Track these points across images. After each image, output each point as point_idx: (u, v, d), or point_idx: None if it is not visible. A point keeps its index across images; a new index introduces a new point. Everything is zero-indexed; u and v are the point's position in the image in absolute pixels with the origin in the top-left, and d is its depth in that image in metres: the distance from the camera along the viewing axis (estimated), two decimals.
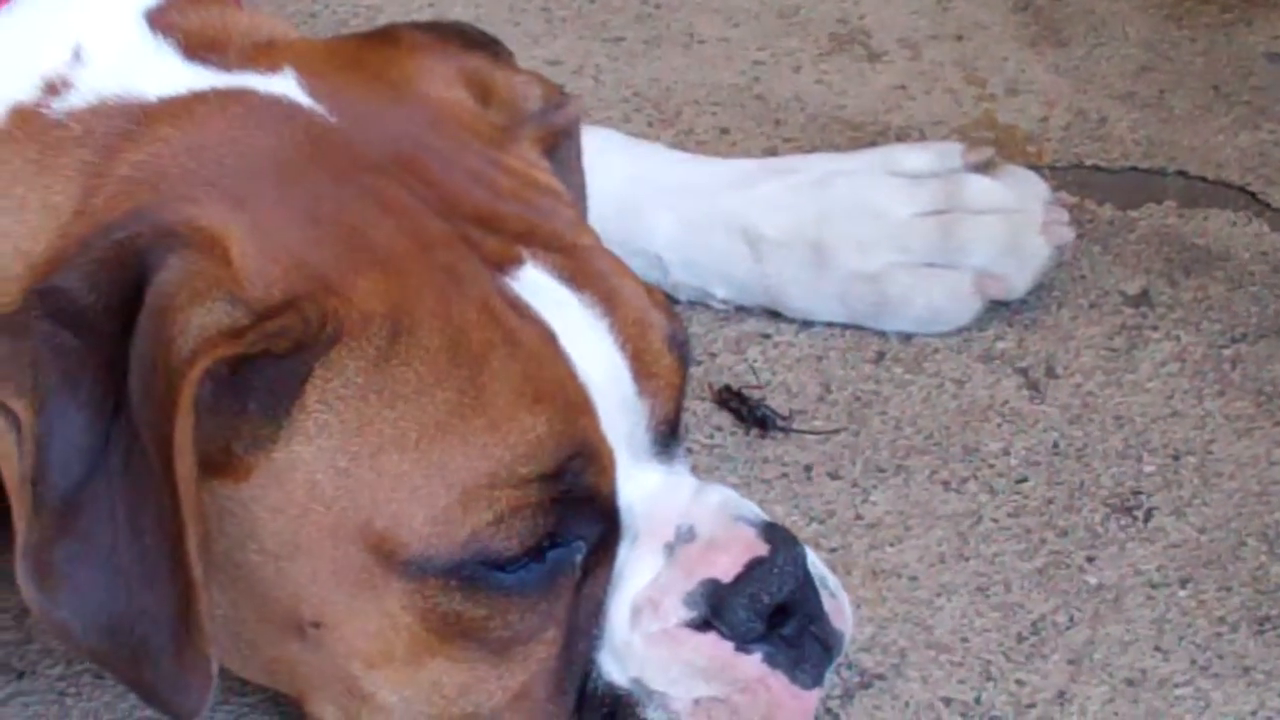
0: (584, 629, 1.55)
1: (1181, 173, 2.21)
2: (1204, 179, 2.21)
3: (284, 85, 1.57)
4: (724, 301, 2.03)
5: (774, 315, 2.03)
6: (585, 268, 1.55)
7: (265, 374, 1.44)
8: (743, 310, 2.04)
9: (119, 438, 1.42)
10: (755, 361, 2.00)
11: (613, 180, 1.91)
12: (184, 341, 1.41)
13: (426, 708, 1.55)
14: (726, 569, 1.55)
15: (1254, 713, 1.71)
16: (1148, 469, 1.91)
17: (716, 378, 1.96)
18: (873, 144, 2.10)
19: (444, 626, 1.52)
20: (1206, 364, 2.01)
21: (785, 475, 1.90)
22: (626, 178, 1.97)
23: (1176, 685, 1.73)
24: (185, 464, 1.40)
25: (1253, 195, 2.19)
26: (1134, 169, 2.22)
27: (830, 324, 2.03)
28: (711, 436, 1.92)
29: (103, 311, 1.42)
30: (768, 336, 2.02)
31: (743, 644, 1.55)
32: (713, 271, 2.02)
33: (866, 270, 2.01)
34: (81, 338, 1.42)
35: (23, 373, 1.42)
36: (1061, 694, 1.72)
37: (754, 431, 1.93)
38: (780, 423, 1.93)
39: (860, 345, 2.02)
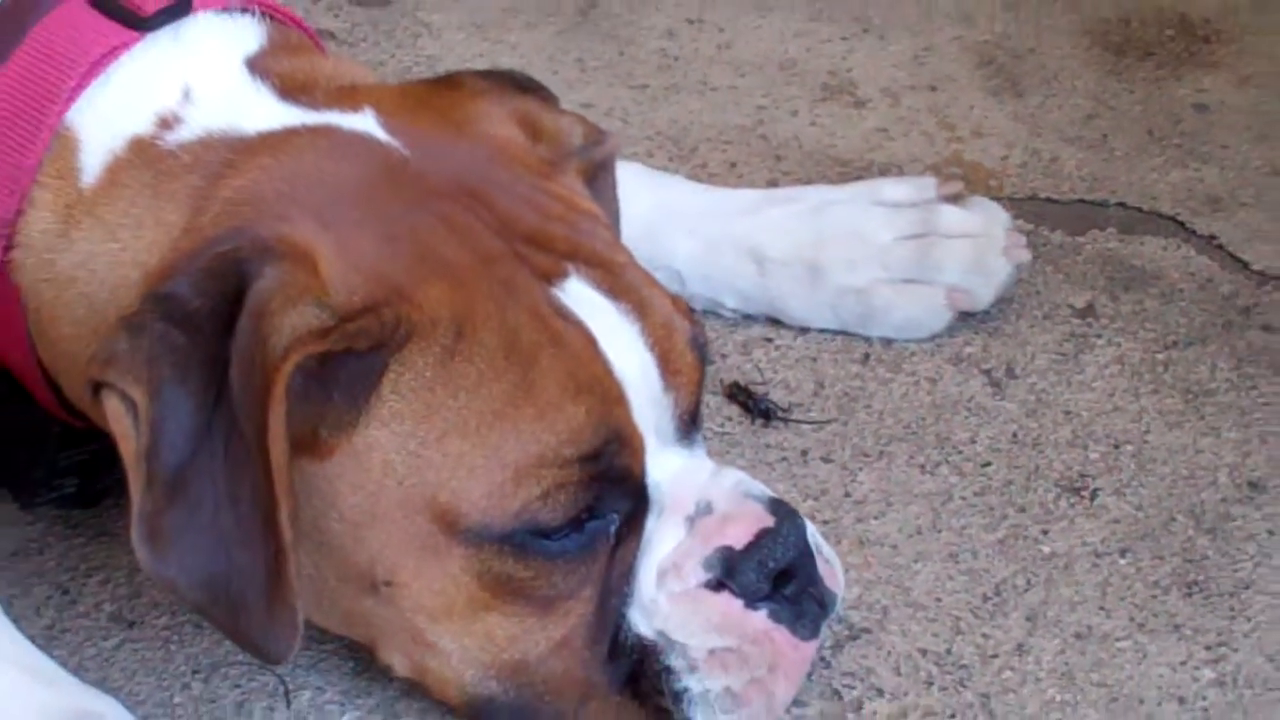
0: (616, 589, 1.56)
1: (1121, 204, 2.21)
2: (1140, 210, 2.21)
3: (364, 123, 1.58)
4: (733, 310, 2.05)
5: (775, 323, 2.05)
6: (620, 280, 1.57)
7: (348, 368, 1.46)
8: (749, 318, 2.06)
9: (220, 422, 1.43)
10: (760, 362, 2.01)
11: (640, 207, 1.91)
12: (278, 340, 1.43)
13: (480, 655, 1.56)
14: (738, 538, 1.57)
15: (1183, 663, 1.73)
16: (1093, 455, 1.93)
17: (727, 376, 1.98)
18: (859, 178, 2.10)
19: (497, 586, 1.53)
20: (1143, 367, 2.02)
21: (785, 459, 1.91)
22: (651, 205, 1.98)
23: (1117, 639, 1.74)
24: (278, 445, 1.42)
25: (1181, 224, 2.19)
26: (1081, 201, 2.22)
27: (823, 330, 2.04)
28: (723, 425, 1.94)
29: (208, 314, 1.44)
30: (770, 340, 2.04)
31: (751, 602, 1.57)
32: (724, 285, 2.03)
33: (854, 285, 2.02)
34: (189, 336, 1.44)
35: (139, 365, 1.44)
36: (1020, 646, 1.74)
37: (759, 422, 1.95)
38: (781, 414, 1.95)
39: (849, 349, 2.03)
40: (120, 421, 1.45)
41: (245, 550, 1.44)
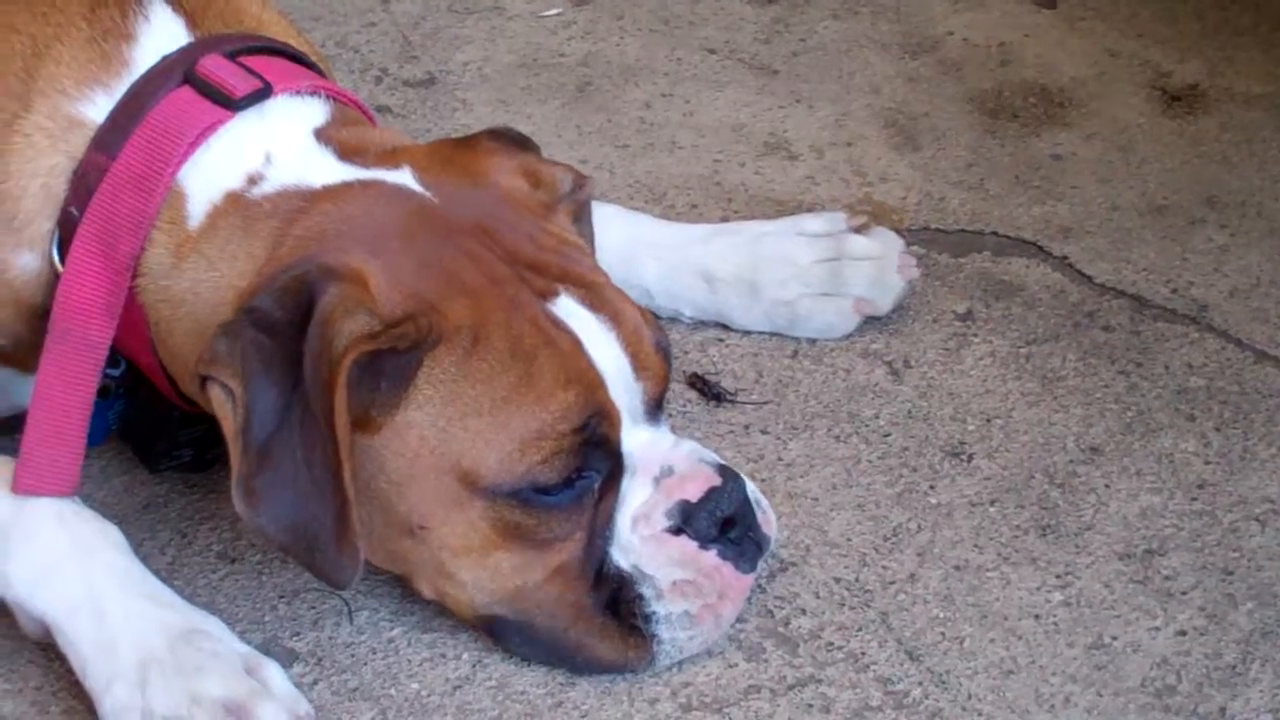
0: (600, 532, 1.57)
1: (994, 233, 2.19)
2: (1009, 237, 2.18)
3: (403, 177, 1.59)
4: (690, 318, 2.02)
5: (724, 327, 2.03)
6: (600, 297, 1.58)
7: (391, 364, 1.47)
8: (703, 324, 2.03)
9: (296, 404, 1.45)
10: (713, 357, 2.01)
11: (617, 238, 1.91)
12: (339, 342, 1.44)
13: (490, 584, 1.57)
14: (694, 493, 1.58)
15: (1038, 588, 1.73)
16: (970, 428, 1.92)
17: (687, 368, 1.96)
18: (790, 215, 2.08)
19: (506, 530, 1.54)
20: (1009, 359, 2.01)
21: (732, 431, 1.91)
22: (626, 237, 1.96)
23: (987, 570, 1.75)
24: (342, 422, 1.43)
25: (1040, 248, 2.16)
26: (962, 230, 2.20)
27: (761, 333, 2.02)
28: (684, 406, 1.93)
29: (285, 322, 1.46)
30: (721, 340, 2.02)
31: (704, 544, 1.58)
32: (683, 299, 2.01)
33: (784, 298, 2.00)
34: (272, 339, 1.46)
35: (235, 362, 1.45)
36: (912, 575, 1.74)
37: (712, 403, 1.94)
38: (729, 397, 1.94)
39: (781, 346, 2.01)
40: (222, 406, 1.46)
41: (318, 504, 1.45)
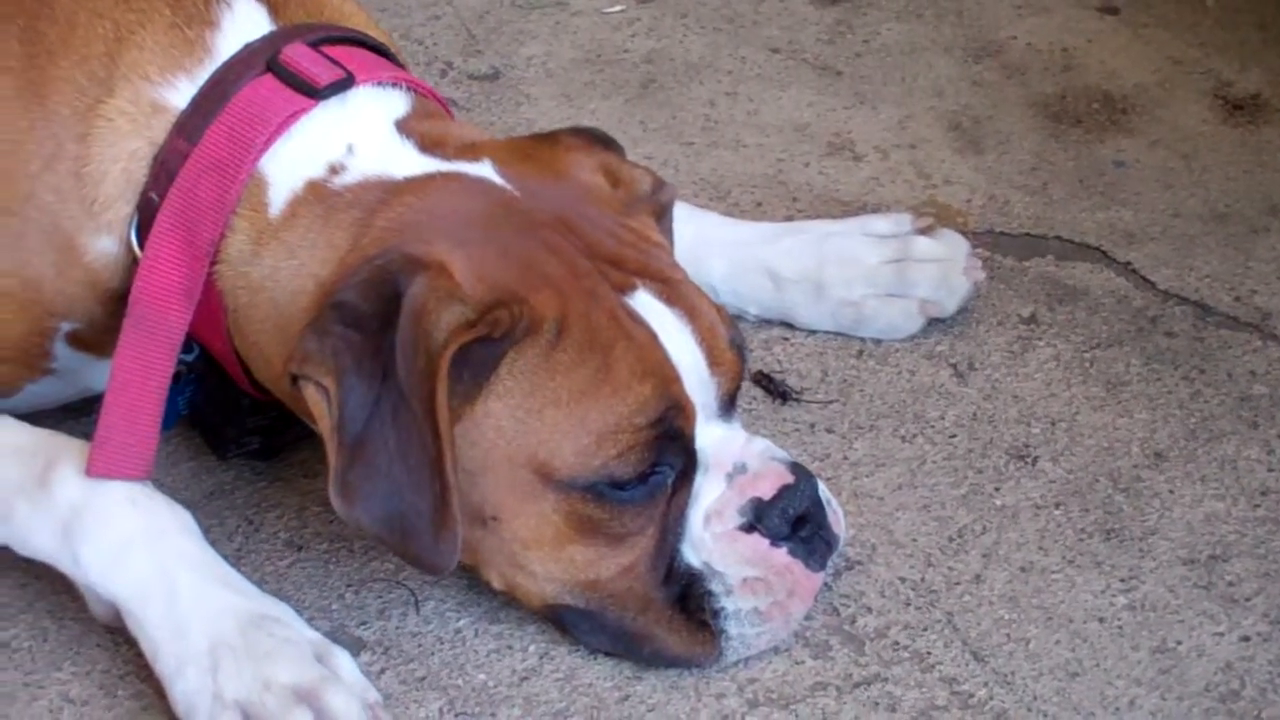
0: (672, 528, 1.57)
1: (1058, 237, 2.18)
2: (1072, 242, 2.17)
3: (484, 170, 1.59)
4: (755, 316, 2.02)
5: (789, 326, 2.03)
6: (677, 292, 1.58)
7: (477, 354, 1.47)
8: (768, 322, 2.03)
9: (387, 397, 1.45)
10: (778, 356, 2.00)
11: (684, 236, 1.89)
12: (438, 334, 1.44)
13: (562, 575, 1.57)
14: (766, 491, 1.58)
15: (1103, 591, 1.73)
16: (1034, 431, 1.91)
17: (752, 366, 1.96)
18: (855, 215, 2.08)
19: (579, 524, 1.54)
20: (1074, 363, 2.00)
21: (798, 430, 1.90)
22: (693, 235, 1.94)
23: (1052, 572, 1.75)
24: (443, 412, 1.43)
25: (1104, 253, 2.15)
26: (1027, 234, 2.19)
27: (826, 332, 2.02)
28: (750, 404, 1.92)
29: (372, 315, 1.46)
30: (786, 339, 2.02)
31: (775, 541, 1.58)
32: (748, 297, 2.01)
33: (849, 298, 1.99)
34: (360, 333, 1.46)
35: (327, 359, 1.46)
36: (977, 576, 1.74)
37: (778, 401, 1.94)
38: (795, 396, 1.94)
39: (846, 346, 2.01)
40: (317, 404, 1.47)
41: (414, 493, 1.45)
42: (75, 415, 1.81)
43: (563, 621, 1.61)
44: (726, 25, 2.62)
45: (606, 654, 1.62)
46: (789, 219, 2.17)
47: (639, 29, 2.61)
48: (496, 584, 1.60)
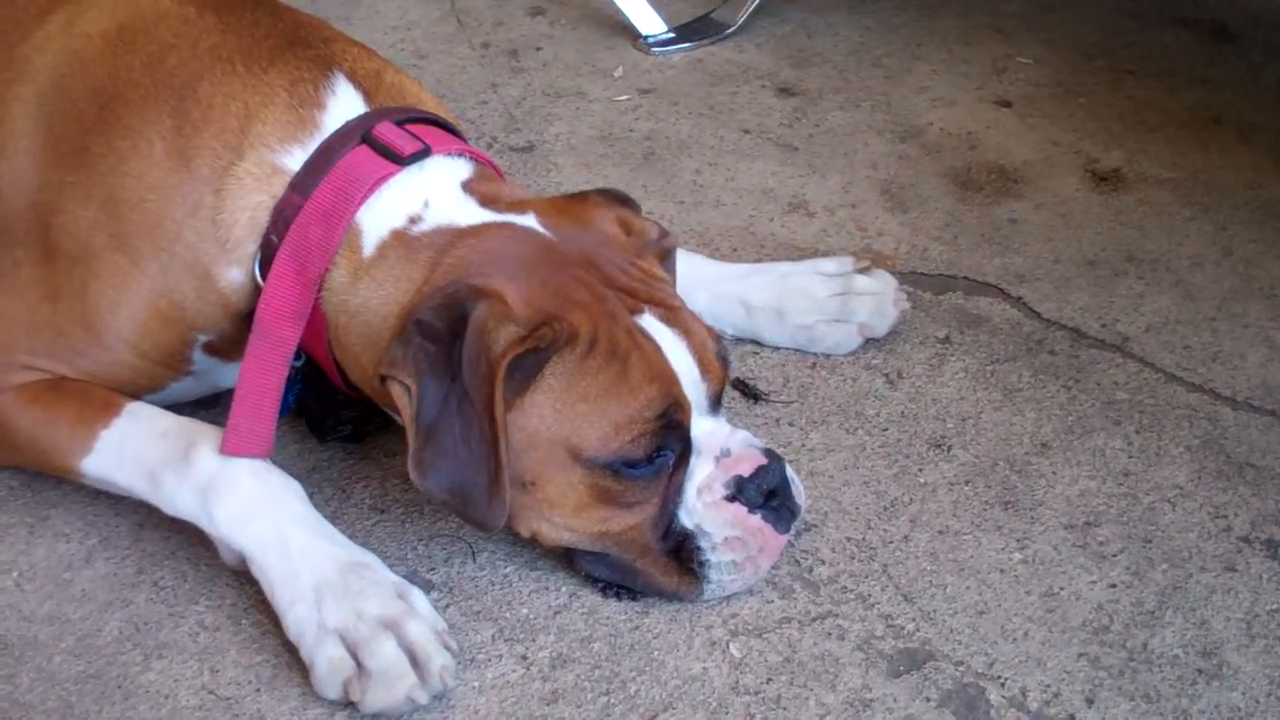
0: (671, 498, 1.57)
1: (965, 277, 2.17)
2: (976, 281, 2.16)
3: (529, 221, 1.59)
4: (732, 336, 2.00)
5: (758, 344, 2.01)
6: (676, 316, 1.58)
7: (526, 362, 1.47)
8: (742, 340, 2.01)
9: (453, 394, 1.44)
10: (751, 366, 1.98)
11: (681, 274, 1.89)
12: (496, 347, 1.44)
13: (579, 528, 1.56)
14: (746, 470, 1.58)
15: (1002, 549, 1.72)
16: (949, 426, 1.90)
17: (732, 374, 1.94)
18: (809, 259, 2.05)
19: (599, 492, 1.54)
20: (979, 374, 1.99)
21: (767, 424, 1.89)
22: (684, 272, 1.89)
23: (964, 534, 1.74)
24: (499, 408, 1.43)
25: (1001, 290, 2.13)
26: (941, 274, 2.17)
27: (787, 349, 2.00)
28: (729, 404, 1.90)
29: (444, 331, 1.46)
30: (756, 353, 2.00)
31: (752, 509, 1.58)
32: (726, 321, 1.99)
33: (805, 323, 1.98)
34: (435, 344, 1.46)
35: (410, 364, 1.45)
36: (906, 537, 1.74)
37: (750, 401, 1.92)
38: (763, 397, 1.92)
39: (802, 360, 2.00)
40: (400, 399, 1.46)
41: (473, 469, 1.44)
42: (205, 407, 1.81)
43: (571, 557, 1.60)
44: (709, 111, 2.62)
45: (606, 584, 1.61)
46: (758, 261, 2.15)
47: (641, 113, 2.61)
48: (523, 532, 1.58)
